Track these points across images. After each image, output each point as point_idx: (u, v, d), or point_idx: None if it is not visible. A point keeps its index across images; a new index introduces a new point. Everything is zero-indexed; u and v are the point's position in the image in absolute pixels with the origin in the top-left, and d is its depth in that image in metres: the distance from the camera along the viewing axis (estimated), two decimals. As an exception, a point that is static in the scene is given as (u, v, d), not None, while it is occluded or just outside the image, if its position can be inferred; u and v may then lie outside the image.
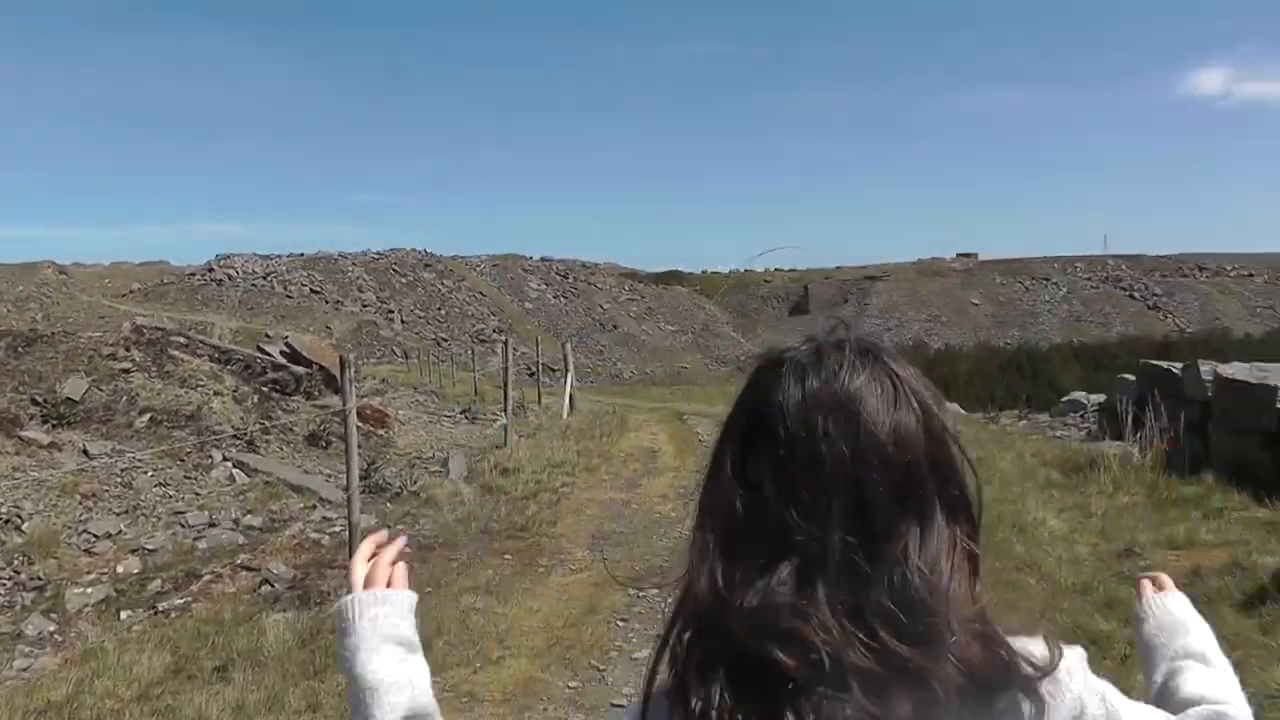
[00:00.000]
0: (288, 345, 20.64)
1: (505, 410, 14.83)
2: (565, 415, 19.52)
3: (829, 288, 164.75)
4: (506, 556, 8.50)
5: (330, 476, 11.98)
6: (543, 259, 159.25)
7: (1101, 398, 14.63)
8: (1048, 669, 1.06)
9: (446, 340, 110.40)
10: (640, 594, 7.46)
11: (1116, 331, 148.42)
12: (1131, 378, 12.95)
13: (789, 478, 1.09)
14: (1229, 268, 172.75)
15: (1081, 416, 14.43)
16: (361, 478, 11.41)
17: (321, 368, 19.94)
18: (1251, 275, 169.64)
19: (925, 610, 1.03)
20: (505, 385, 15.15)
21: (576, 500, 10.98)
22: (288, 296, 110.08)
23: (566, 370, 21.37)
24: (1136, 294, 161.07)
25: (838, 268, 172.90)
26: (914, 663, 1.00)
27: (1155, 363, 12.01)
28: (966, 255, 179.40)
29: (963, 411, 22.34)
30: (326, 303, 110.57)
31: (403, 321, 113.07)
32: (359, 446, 13.93)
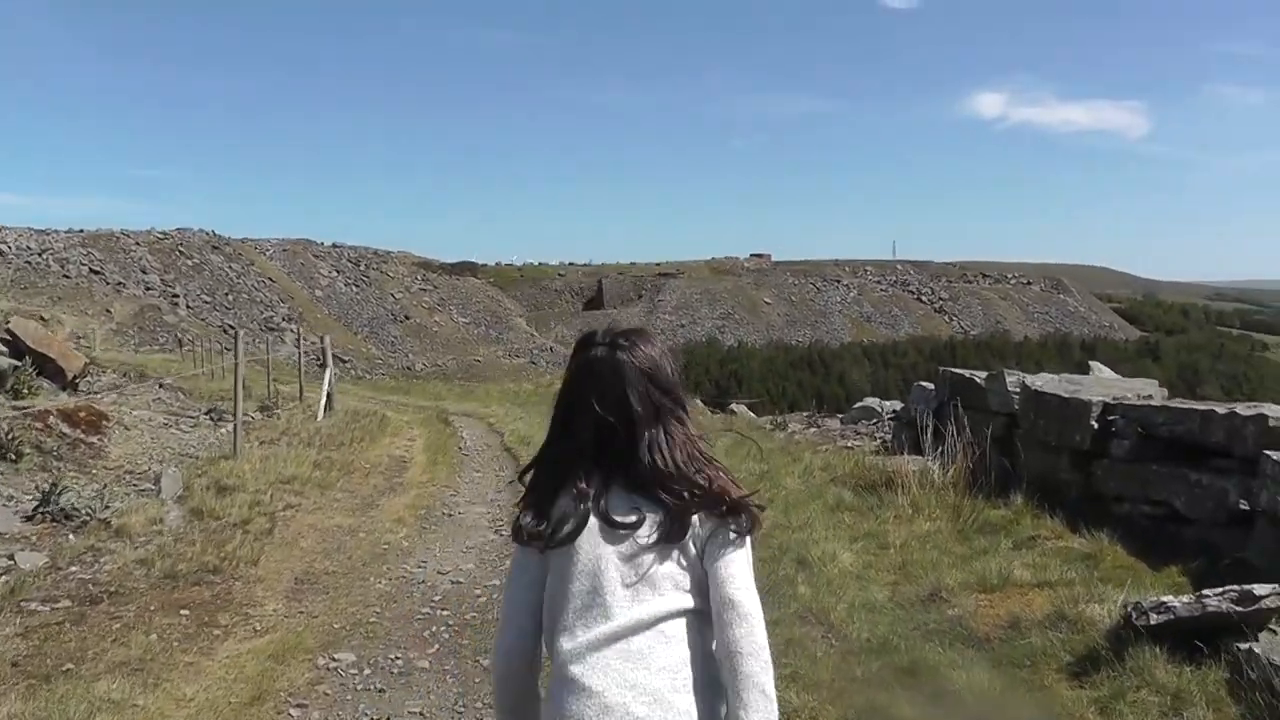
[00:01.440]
0: (8, 332, 18.11)
1: (235, 413, 12.87)
2: (320, 416, 17.59)
3: (623, 283, 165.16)
4: (184, 612, 6.71)
5: (10, 500, 9.87)
6: (334, 245, 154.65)
7: (897, 405, 13.60)
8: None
9: (234, 327, 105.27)
10: (334, 663, 5.83)
11: (904, 332, 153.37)
12: (930, 386, 11.86)
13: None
14: (1009, 275, 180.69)
15: (875, 425, 13.35)
16: (42, 503, 9.44)
17: (48, 360, 17.54)
18: (1030, 283, 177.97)
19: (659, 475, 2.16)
20: (236, 385, 13.18)
21: (296, 528, 9.21)
22: (65, 276, 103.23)
23: (325, 365, 19.34)
24: (924, 298, 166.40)
25: (631, 264, 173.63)
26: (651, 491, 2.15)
27: (957, 371, 10.89)
28: (760, 256, 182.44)
29: (751, 415, 21.28)
30: (108, 284, 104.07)
31: (188, 306, 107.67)
32: (57, 460, 11.92)
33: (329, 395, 18.82)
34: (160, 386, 19.89)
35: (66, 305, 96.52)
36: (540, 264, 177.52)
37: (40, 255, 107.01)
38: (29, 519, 9.15)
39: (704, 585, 2.15)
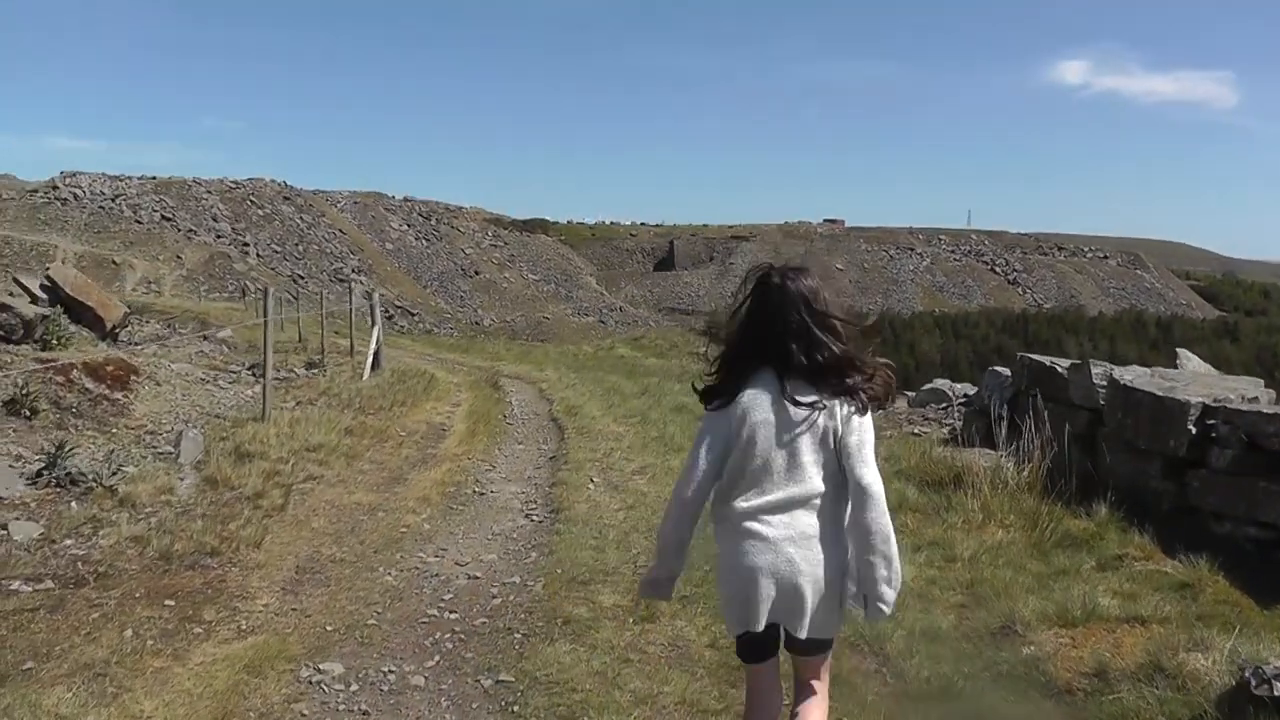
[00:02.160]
0: (47, 279, 17.70)
1: (265, 372, 12.24)
2: (366, 376, 16.98)
3: (695, 244, 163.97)
4: (169, 602, 6.06)
5: (19, 460, 9.32)
6: (406, 199, 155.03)
7: (969, 389, 12.66)
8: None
9: (304, 278, 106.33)
10: (318, 675, 5.15)
11: (977, 303, 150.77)
12: (1005, 372, 10.89)
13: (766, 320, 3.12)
14: (1085, 249, 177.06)
15: (945, 410, 12.43)
16: (47, 465, 8.86)
17: (86, 309, 17.10)
18: (1106, 257, 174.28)
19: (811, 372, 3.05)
20: (265, 343, 12.53)
21: (312, 504, 8.55)
22: (137, 222, 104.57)
23: (373, 322, 18.69)
24: (997, 269, 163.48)
25: (704, 225, 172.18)
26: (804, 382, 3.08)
27: (1036, 358, 9.89)
28: (833, 221, 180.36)
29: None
30: (179, 231, 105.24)
31: (258, 256, 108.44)
32: (76, 417, 11.37)
33: (376, 353, 18.19)
34: (204, 339, 19.41)
35: (138, 250, 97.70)
36: (612, 223, 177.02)
37: (114, 201, 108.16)
38: (33, 482, 8.58)
39: (838, 474, 3.11)
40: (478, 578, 6.75)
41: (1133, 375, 8.64)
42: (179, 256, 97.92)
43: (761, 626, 3.17)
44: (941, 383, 13.92)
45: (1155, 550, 6.89)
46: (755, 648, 3.31)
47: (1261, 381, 8.83)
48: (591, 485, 9.36)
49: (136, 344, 16.96)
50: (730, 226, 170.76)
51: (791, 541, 3.06)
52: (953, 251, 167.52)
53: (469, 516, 8.43)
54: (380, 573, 6.79)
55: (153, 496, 8.34)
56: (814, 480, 3.07)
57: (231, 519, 7.71)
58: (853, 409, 3.05)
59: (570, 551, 7.10)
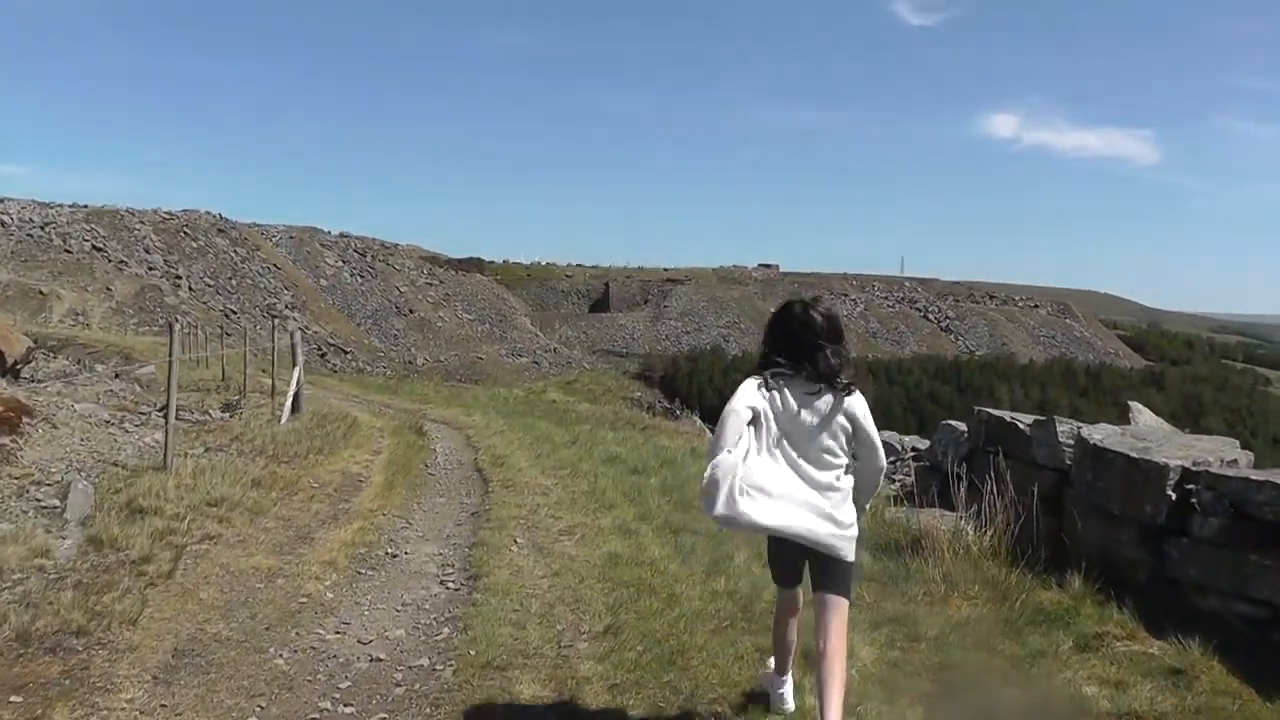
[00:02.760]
0: (-56, 313, 16.58)
1: (168, 417, 11.31)
2: (284, 419, 16.05)
3: (630, 287, 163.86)
4: (15, 698, 5.14)
5: None
6: (341, 235, 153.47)
7: (919, 442, 12.03)
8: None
9: (236, 313, 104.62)
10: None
11: (910, 350, 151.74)
12: (960, 426, 10.25)
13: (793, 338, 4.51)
14: (1016, 298, 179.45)
15: (895, 464, 11.80)
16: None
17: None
18: (1036, 306, 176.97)
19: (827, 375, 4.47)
20: (170, 386, 11.60)
21: (204, 570, 7.65)
22: (66, 251, 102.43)
23: (294, 362, 17.76)
24: (930, 316, 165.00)
25: (639, 268, 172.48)
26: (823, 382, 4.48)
27: (995, 412, 9.22)
28: (768, 266, 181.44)
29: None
30: (110, 262, 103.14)
31: (190, 289, 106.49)
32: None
33: (297, 395, 17.27)
34: (117, 376, 18.37)
35: (66, 280, 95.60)
36: (548, 264, 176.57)
37: (43, 229, 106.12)
38: (-114, 543, 7.63)
39: (849, 440, 4.57)
40: (381, 660, 5.93)
41: (1102, 434, 8.02)
42: (109, 288, 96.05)
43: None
44: (889, 435, 13.29)
45: (1137, 628, 6.26)
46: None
47: (1236, 442, 8.26)
48: (515, 547, 8.57)
49: (39, 381, 15.90)
50: (666, 270, 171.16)
51: (804, 493, 4.40)
52: (886, 298, 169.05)
53: (378, 583, 7.60)
54: (270, 655, 5.94)
55: (24, 560, 7.40)
56: (832, 445, 4.51)
57: (109, 588, 6.82)
58: (856, 405, 4.55)
59: (487, 627, 6.29)
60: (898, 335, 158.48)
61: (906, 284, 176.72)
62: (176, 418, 15.68)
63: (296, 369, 17.29)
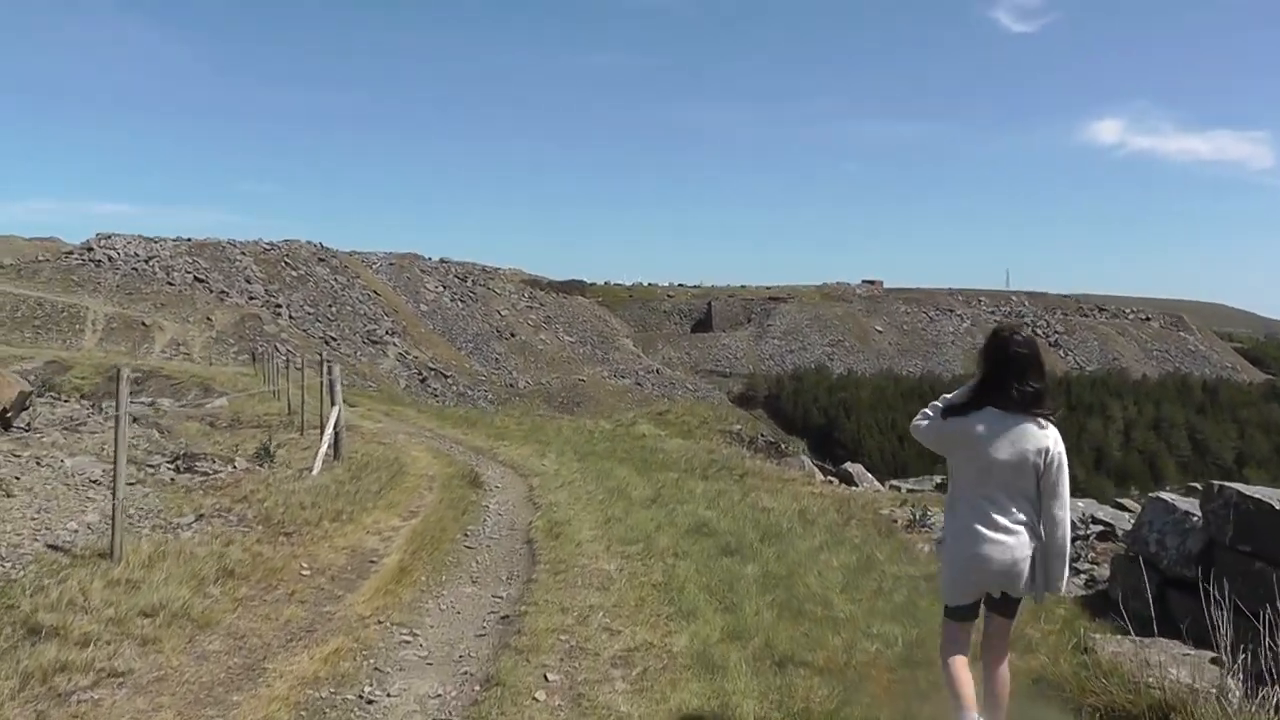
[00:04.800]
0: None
1: (115, 490, 8.74)
2: (315, 470, 13.59)
3: (732, 305, 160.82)
4: None
5: None
6: (442, 260, 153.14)
7: (1096, 510, 9.07)
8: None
9: (336, 340, 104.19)
10: None
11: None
12: (1184, 505, 6.97)
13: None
14: (1126, 311, 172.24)
15: (1075, 545, 8.90)
16: None
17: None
18: (1148, 319, 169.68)
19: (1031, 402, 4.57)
20: (117, 450, 9.03)
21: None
22: (169, 283, 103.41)
23: (333, 402, 15.29)
24: (1039, 330, 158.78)
25: (742, 287, 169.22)
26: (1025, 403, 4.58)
27: (1247, 491, 6.21)
28: (872, 282, 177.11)
29: (873, 485, 16.98)
30: (210, 292, 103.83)
31: (290, 317, 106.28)
32: None
33: (336, 437, 14.82)
34: (135, 420, 16.09)
35: (169, 312, 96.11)
36: (649, 284, 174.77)
37: (146, 262, 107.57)
38: None
39: (1038, 486, 4.60)
40: None
41: None
42: (209, 318, 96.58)
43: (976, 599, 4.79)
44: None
45: None
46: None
47: None
48: (542, 693, 5.90)
49: (31, 431, 13.66)
50: (768, 288, 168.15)
51: (1008, 531, 4.59)
52: (993, 313, 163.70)
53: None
54: None
55: None
56: (1027, 486, 4.61)
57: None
58: (1055, 453, 4.59)
59: None
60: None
61: (1013, 298, 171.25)
62: (190, 470, 13.33)
63: (335, 409, 14.82)
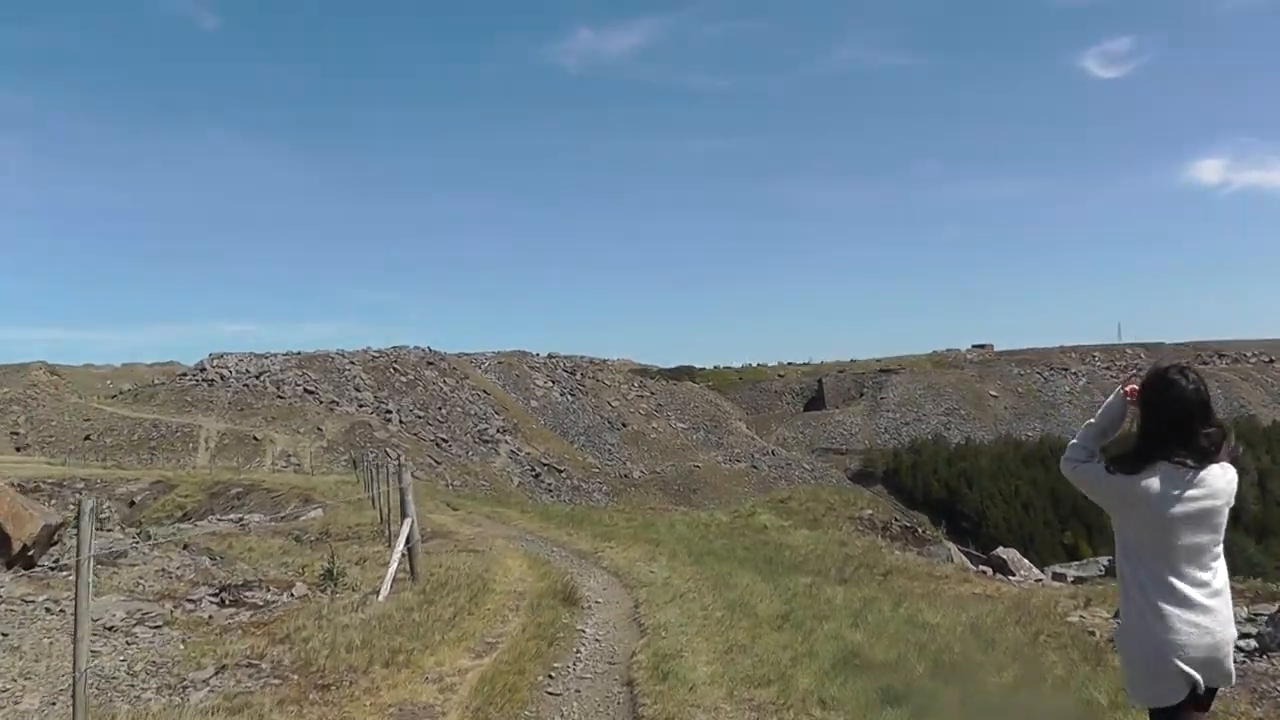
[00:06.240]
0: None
1: (75, 654, 6.72)
2: (384, 594, 11.56)
3: (843, 380, 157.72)
4: None
5: None
6: (550, 355, 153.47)
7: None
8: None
9: (447, 441, 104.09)
10: None
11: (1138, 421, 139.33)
12: None
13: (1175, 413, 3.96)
14: (1249, 354, 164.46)
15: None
16: None
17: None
18: (1272, 361, 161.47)
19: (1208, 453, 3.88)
20: (78, 587, 7.01)
21: None
22: (279, 396, 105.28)
23: (405, 514, 13.26)
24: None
25: (851, 360, 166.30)
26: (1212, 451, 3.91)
27: None
28: (981, 346, 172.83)
29: (1033, 573, 14.48)
30: (320, 403, 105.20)
31: (401, 422, 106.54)
32: None
33: (410, 555, 12.79)
34: (185, 547, 14.23)
35: (280, 425, 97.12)
36: (759, 364, 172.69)
37: (258, 378, 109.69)
38: None
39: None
40: None
41: None
42: (319, 428, 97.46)
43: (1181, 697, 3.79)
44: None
45: None
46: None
47: None
48: None
49: (58, 569, 11.83)
50: (878, 360, 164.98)
51: (1209, 613, 3.80)
52: (1108, 368, 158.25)
53: None
54: None
55: None
56: (1218, 550, 3.90)
57: None
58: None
59: None
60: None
61: (1128, 350, 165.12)
62: (237, 603, 11.41)
63: (405, 523, 12.75)
